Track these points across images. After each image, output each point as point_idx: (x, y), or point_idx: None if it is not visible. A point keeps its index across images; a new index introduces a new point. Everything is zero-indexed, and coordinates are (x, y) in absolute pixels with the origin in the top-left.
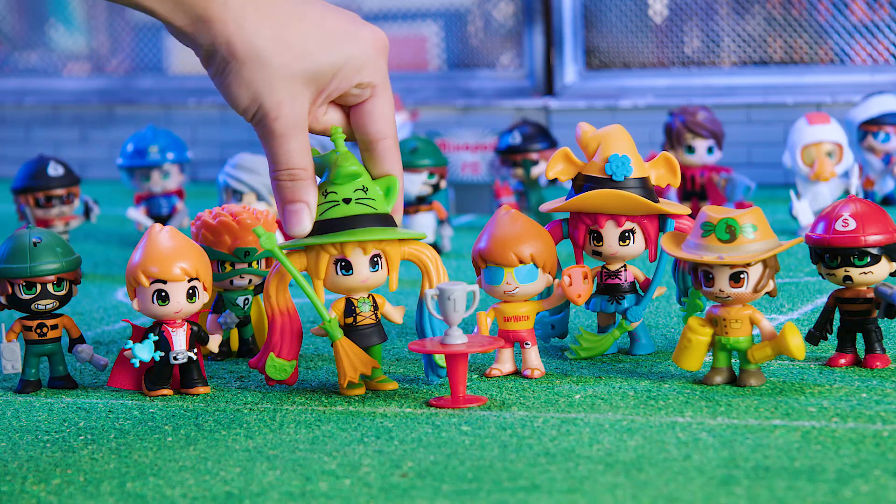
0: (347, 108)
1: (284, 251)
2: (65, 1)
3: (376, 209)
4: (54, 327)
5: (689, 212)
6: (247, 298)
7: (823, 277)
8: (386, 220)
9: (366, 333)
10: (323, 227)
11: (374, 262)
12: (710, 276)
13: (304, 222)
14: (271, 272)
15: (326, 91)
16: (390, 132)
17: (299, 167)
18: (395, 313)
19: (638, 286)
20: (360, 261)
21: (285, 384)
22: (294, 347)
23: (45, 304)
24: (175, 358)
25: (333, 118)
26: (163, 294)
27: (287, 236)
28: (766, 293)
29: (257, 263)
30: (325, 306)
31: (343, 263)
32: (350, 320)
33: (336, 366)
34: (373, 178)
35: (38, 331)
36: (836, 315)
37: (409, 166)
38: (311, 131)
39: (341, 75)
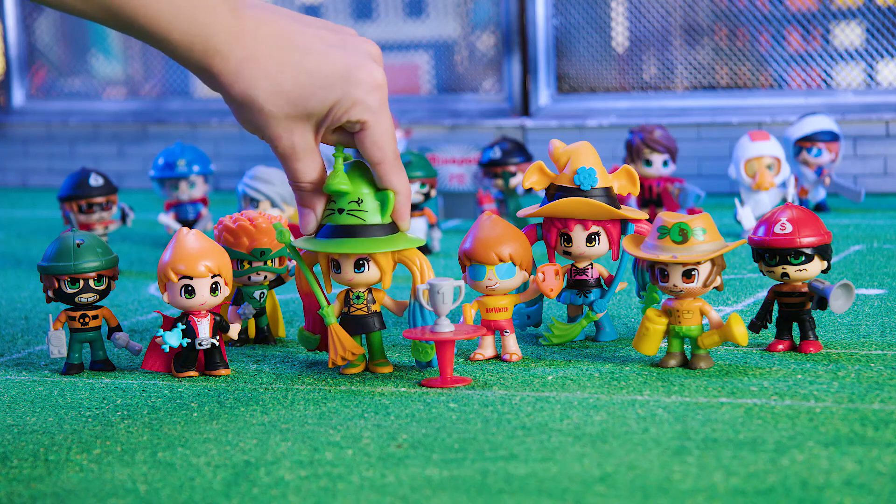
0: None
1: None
2: (104, 33)
3: (365, 220)
4: (95, 317)
5: (647, 217)
6: (262, 292)
7: (764, 274)
8: (377, 230)
9: (360, 322)
10: (323, 231)
11: (358, 265)
12: (666, 272)
13: (310, 224)
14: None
15: (324, 124)
16: (386, 156)
17: (303, 181)
18: (394, 306)
19: (602, 281)
20: (346, 263)
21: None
22: (316, 324)
23: (87, 297)
24: (200, 344)
25: (341, 137)
26: (189, 288)
27: (299, 234)
28: (714, 288)
29: (271, 262)
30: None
31: (335, 263)
32: (346, 309)
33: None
34: (378, 191)
35: (81, 320)
36: (775, 307)
37: None
38: (325, 143)
39: (333, 113)
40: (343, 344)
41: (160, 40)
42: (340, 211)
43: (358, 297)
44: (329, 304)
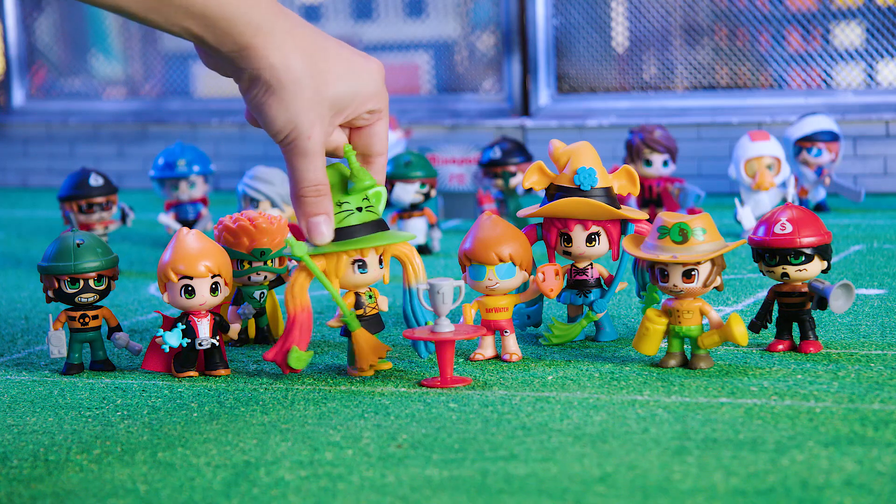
0: (350, 128)
1: (310, 255)
2: (104, 33)
3: (379, 215)
4: (95, 317)
5: (647, 217)
6: (262, 292)
7: (764, 274)
8: (384, 225)
9: (371, 323)
10: (344, 233)
11: (380, 261)
12: (666, 272)
13: (328, 231)
14: (294, 275)
15: (343, 115)
16: (387, 148)
17: (323, 182)
18: (381, 303)
19: (602, 282)
20: (373, 260)
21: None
22: (309, 339)
23: (87, 297)
24: (200, 344)
25: (340, 138)
26: (189, 288)
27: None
28: (714, 288)
29: (271, 262)
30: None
31: (360, 263)
32: (360, 312)
33: (356, 352)
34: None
35: (81, 320)
36: (775, 307)
37: (403, 177)
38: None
39: (357, 102)
40: (374, 347)
41: (197, 15)
42: (360, 209)
43: (370, 297)
44: (350, 310)
